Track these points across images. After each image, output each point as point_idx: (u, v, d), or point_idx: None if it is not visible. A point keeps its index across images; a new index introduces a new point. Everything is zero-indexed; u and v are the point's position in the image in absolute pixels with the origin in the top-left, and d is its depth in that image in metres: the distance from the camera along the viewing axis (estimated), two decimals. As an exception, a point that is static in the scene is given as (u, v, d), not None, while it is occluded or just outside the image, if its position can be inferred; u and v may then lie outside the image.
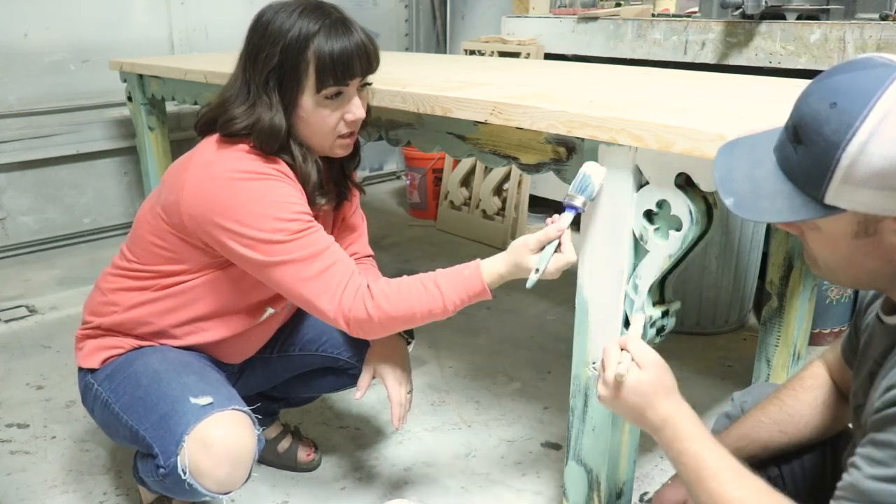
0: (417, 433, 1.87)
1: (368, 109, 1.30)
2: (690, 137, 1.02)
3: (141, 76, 2.64)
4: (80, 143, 3.13)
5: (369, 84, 1.28)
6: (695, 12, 2.87)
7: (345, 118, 1.25)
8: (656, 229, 1.15)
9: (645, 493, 1.59)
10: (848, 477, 0.78)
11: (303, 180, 1.25)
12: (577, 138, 1.19)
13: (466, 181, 3.50)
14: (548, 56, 3.12)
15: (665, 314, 1.22)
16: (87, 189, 3.23)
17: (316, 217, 1.24)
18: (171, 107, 3.12)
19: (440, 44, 4.20)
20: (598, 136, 1.14)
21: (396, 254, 3.21)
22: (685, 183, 1.10)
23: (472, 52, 3.39)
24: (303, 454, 1.72)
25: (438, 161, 3.59)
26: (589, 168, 1.15)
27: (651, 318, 1.19)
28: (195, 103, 2.39)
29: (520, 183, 3.25)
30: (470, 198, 3.46)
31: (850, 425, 1.07)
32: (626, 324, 1.21)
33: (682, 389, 0.96)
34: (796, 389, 1.13)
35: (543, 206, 3.41)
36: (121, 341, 1.33)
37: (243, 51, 1.25)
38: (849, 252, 0.80)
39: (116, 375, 1.30)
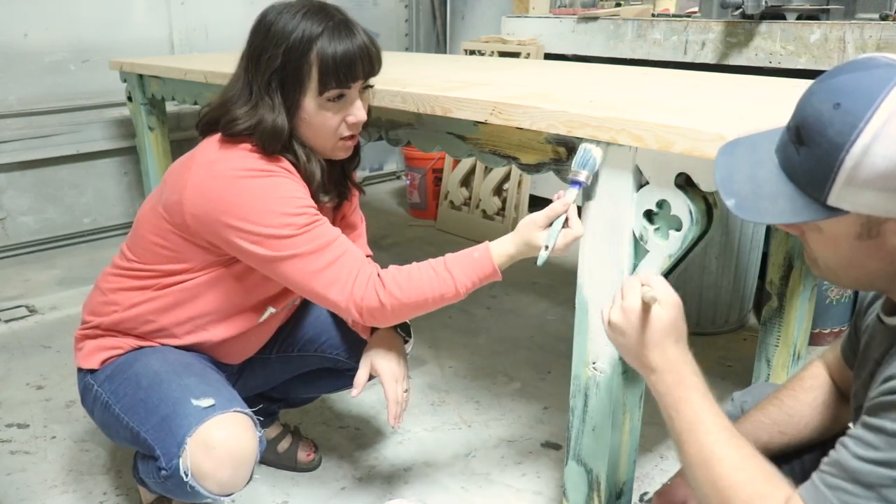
0: (417, 433, 1.87)
1: (369, 110, 1.30)
2: (690, 137, 1.02)
3: (141, 76, 2.64)
4: (80, 143, 3.13)
5: (371, 86, 1.28)
6: (695, 12, 2.86)
7: (346, 120, 1.25)
8: (656, 229, 1.15)
9: (645, 493, 1.59)
10: (835, 454, 0.78)
11: (307, 179, 1.25)
12: (577, 138, 1.19)
13: (466, 181, 3.50)
14: (548, 56, 3.12)
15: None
16: (87, 189, 3.22)
17: (317, 216, 1.25)
18: (171, 107, 3.11)
19: (440, 44, 4.20)
20: (598, 136, 1.14)
21: (396, 254, 3.21)
22: (685, 183, 1.10)
23: (472, 52, 3.39)
24: (303, 454, 1.72)
25: (438, 161, 3.59)
26: (588, 144, 1.15)
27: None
28: (195, 103, 2.39)
29: (520, 183, 3.25)
30: (470, 198, 3.46)
31: (851, 426, 1.07)
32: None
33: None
34: (796, 390, 1.13)
35: (543, 206, 3.38)
36: (120, 341, 1.33)
37: (245, 51, 1.25)
38: (850, 253, 0.80)
39: (116, 376, 1.30)
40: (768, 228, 2.02)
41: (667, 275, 1.18)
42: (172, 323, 1.33)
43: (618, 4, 3.30)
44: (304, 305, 1.55)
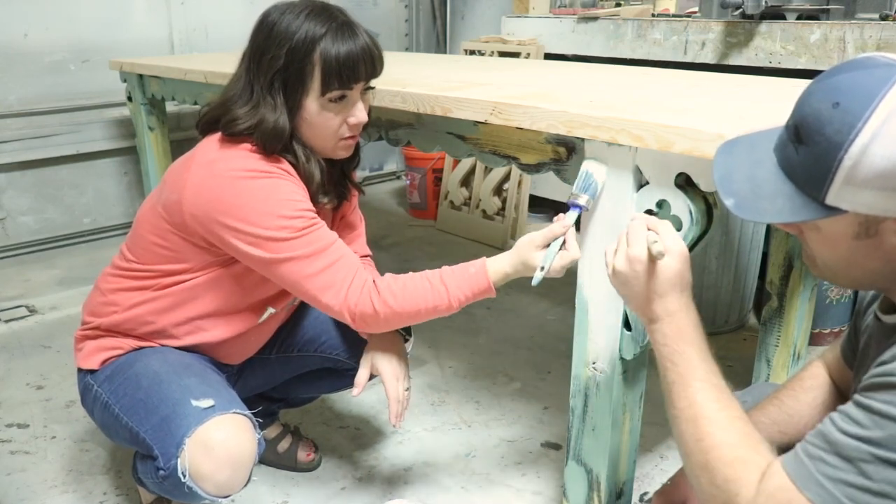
0: (417, 433, 1.87)
1: (369, 111, 1.30)
2: (690, 137, 1.02)
3: (141, 76, 2.64)
4: (80, 143, 3.13)
5: (372, 88, 1.29)
6: (695, 12, 2.87)
7: (348, 122, 1.25)
8: (656, 229, 1.14)
9: (645, 493, 1.59)
10: (821, 426, 0.78)
11: (306, 179, 1.26)
12: (577, 138, 1.19)
13: (466, 181, 3.50)
14: (548, 56, 3.12)
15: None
16: (87, 189, 3.22)
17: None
18: (171, 107, 3.11)
19: (440, 44, 4.20)
20: (598, 136, 1.14)
21: (396, 254, 3.21)
22: (685, 183, 1.10)
23: (472, 52, 3.39)
24: (303, 454, 1.72)
25: (438, 161, 3.59)
26: (591, 166, 1.16)
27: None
28: (195, 103, 2.39)
29: (520, 183, 3.25)
30: (470, 198, 3.46)
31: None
32: (626, 324, 1.21)
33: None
34: (796, 390, 1.13)
35: (543, 206, 3.40)
36: (120, 342, 1.33)
37: (247, 51, 1.25)
38: (849, 252, 0.80)
39: (116, 377, 1.30)
40: (768, 228, 2.02)
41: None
42: (172, 323, 1.33)
43: (618, 4, 3.30)
44: (304, 305, 1.55)
